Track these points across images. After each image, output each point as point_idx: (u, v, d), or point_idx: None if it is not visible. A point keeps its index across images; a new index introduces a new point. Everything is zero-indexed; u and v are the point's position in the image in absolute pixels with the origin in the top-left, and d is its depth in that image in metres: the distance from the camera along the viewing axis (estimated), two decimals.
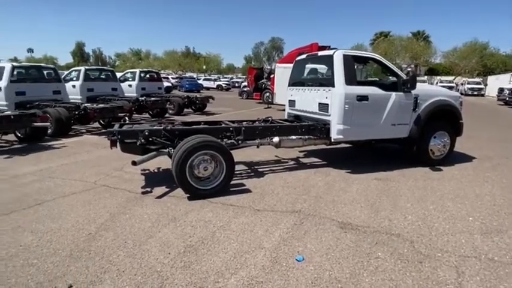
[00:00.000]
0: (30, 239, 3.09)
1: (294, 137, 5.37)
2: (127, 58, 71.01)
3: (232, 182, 4.48)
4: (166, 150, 4.50)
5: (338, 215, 3.62)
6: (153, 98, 12.25)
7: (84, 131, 9.64)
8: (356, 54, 5.33)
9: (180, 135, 4.50)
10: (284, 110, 6.90)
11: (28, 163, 5.87)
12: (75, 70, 12.58)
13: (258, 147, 5.26)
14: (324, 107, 5.20)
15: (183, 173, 3.96)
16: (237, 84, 39.90)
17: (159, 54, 72.67)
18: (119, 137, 4.31)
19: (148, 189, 4.50)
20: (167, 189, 4.43)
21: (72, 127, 9.32)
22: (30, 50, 65.18)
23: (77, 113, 8.66)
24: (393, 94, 5.24)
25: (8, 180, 4.89)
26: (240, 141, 4.78)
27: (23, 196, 4.22)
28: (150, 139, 4.38)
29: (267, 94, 19.31)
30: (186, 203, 3.99)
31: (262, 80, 20.63)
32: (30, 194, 4.29)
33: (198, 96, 14.28)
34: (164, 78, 35.63)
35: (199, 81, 36.86)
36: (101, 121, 9.95)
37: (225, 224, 3.38)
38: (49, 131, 8.23)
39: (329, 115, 5.10)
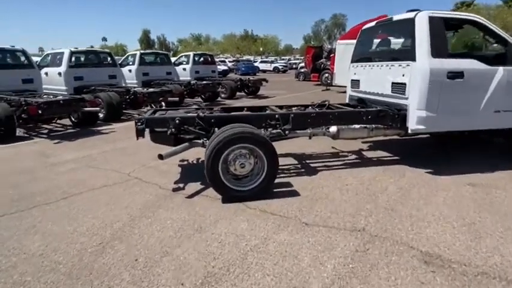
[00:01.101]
0: (38, 245, 2.67)
1: (356, 126, 4.32)
2: (188, 43, 73.23)
3: (276, 180, 3.67)
4: (201, 141, 3.85)
5: (420, 240, 2.58)
6: (204, 82, 11.83)
7: (137, 115, 9.59)
8: (447, 15, 3.97)
9: (216, 123, 3.77)
10: (345, 92, 5.78)
11: (73, 149, 5.76)
12: (131, 55, 12.71)
13: (310, 138, 4.33)
14: (399, 87, 4.02)
15: (215, 171, 3.25)
16: (294, 66, 38.33)
17: (218, 39, 73.57)
18: (147, 125, 3.74)
19: (181, 185, 3.91)
20: (201, 187, 3.79)
21: (125, 111, 9.35)
22: (104, 39, 70.75)
23: (127, 97, 8.55)
24: (500, 69, 3.83)
25: (47, 168, 4.73)
26: (287, 131, 3.91)
27: (53, 187, 3.94)
28: (183, 128, 3.73)
29: (326, 75, 17.81)
30: (218, 206, 3.30)
31: (321, 60, 19.10)
32: (61, 186, 4.00)
33: (250, 78, 13.58)
34: (221, 61, 35.75)
35: (256, 64, 36.16)
36: (152, 105, 9.81)
37: (261, 243, 2.60)
38: (101, 115, 8.25)
39: (406, 98, 3.92)
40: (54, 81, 9.97)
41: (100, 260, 2.43)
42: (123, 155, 5.29)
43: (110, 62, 10.66)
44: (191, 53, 14.32)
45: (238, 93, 13.94)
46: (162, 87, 9.79)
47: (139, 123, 3.72)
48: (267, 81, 14.03)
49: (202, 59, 15.09)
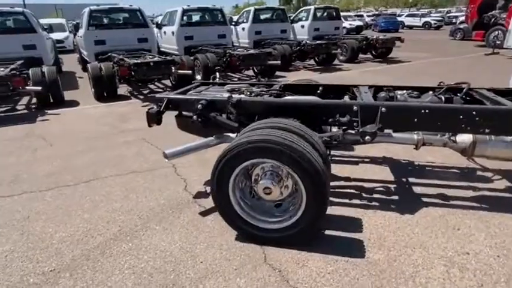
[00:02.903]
0: (2, 250, 2.24)
1: None
2: None
3: (342, 211, 2.29)
4: (234, 134, 2.70)
5: None
6: (317, 42, 10.11)
7: (236, 79, 8.98)
8: None
9: (259, 112, 2.53)
10: None
11: None
12: (246, 11, 11.95)
13: (417, 147, 2.56)
14: None
15: (224, 194, 2.10)
16: (454, 20, 30.42)
17: None
18: (167, 106, 2.82)
19: (209, 188, 2.94)
20: None
21: (228, 74, 8.87)
22: None
23: (224, 59, 7.91)
24: None
25: (110, 137, 4.56)
26: (368, 136, 2.28)
27: (91, 164, 3.64)
28: (207, 115, 2.64)
29: (496, 33, 12.92)
30: (226, 243, 2.19)
31: (493, 12, 13.92)
32: (100, 163, 3.67)
33: (380, 37, 10.89)
34: (357, 16, 31.56)
35: (400, 19, 30.20)
36: (254, 69, 8.96)
37: None
38: (199, 77, 7.93)
39: None
40: (169, 41, 10.25)
41: None
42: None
43: (221, 20, 10.17)
44: (312, 7, 12.48)
45: (362, 56, 11.62)
46: (265, 49, 8.73)
47: (159, 103, 2.84)
48: (402, 41, 11.04)
49: (325, 13, 13.08)
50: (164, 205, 2.72)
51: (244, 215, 2.13)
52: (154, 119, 2.73)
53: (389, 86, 2.97)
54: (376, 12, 38.85)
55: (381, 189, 2.82)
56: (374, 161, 3.37)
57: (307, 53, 9.80)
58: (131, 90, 7.67)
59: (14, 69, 5.86)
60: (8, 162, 3.77)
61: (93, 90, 6.72)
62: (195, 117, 2.64)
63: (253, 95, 2.85)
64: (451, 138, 2.45)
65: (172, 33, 9.71)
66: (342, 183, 2.95)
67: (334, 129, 2.61)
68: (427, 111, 2.26)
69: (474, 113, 2.19)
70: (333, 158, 3.41)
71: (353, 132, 2.47)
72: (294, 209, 2.07)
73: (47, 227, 2.48)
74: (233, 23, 12.27)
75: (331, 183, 2.91)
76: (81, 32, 8.74)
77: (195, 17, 10.22)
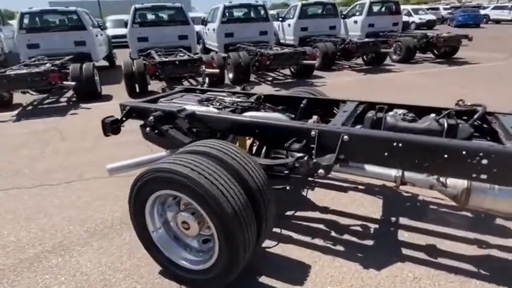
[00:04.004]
0: None
1: None
2: None
3: (291, 252, 1.94)
4: None
5: None
6: (364, 40, 9.22)
7: (271, 78, 8.63)
8: None
9: (217, 129, 2.27)
10: None
11: None
12: (293, 7, 11.45)
13: (396, 186, 2.02)
14: None
15: (140, 220, 1.89)
16: None
17: None
18: (129, 115, 2.69)
19: None
20: None
21: (265, 73, 8.61)
22: None
23: (256, 59, 7.63)
24: None
25: (123, 131, 4.62)
26: (322, 169, 1.84)
27: (83, 164, 3.73)
28: (160, 128, 2.45)
29: None
30: (147, 277, 1.98)
31: None
32: (93, 162, 3.76)
33: (442, 35, 9.50)
34: (431, 9, 28.37)
35: (483, 12, 26.24)
36: (291, 68, 8.51)
37: None
38: (231, 76, 7.79)
39: None
40: (212, 37, 10.32)
41: None
42: None
43: (263, 16, 9.89)
44: (367, 1, 11.44)
45: (422, 56, 10.38)
46: (297, 48, 8.22)
47: (124, 111, 2.73)
48: (469, 39, 9.50)
49: (382, 8, 11.94)
50: (117, 219, 2.61)
51: (163, 249, 1.89)
52: (109, 128, 2.61)
53: (383, 104, 2.42)
54: (458, 4, 34.48)
55: (358, 228, 2.33)
56: (369, 189, 2.84)
57: (352, 51, 9.00)
58: (164, 87, 7.85)
59: (55, 65, 6.37)
60: (21, 155, 4.06)
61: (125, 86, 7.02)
62: (148, 129, 2.47)
63: (221, 107, 2.58)
64: (440, 180, 1.87)
65: (214, 30, 9.73)
66: (316, 214, 2.52)
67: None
68: (400, 144, 1.74)
69: (464, 152, 1.62)
70: (320, 181, 2.96)
71: (312, 161, 2.03)
72: (210, 253, 1.77)
73: (5, 228, 2.55)
74: (280, 19, 11.91)
75: (302, 214, 2.52)
76: (127, 28, 9.24)
77: (237, 14, 10.09)
